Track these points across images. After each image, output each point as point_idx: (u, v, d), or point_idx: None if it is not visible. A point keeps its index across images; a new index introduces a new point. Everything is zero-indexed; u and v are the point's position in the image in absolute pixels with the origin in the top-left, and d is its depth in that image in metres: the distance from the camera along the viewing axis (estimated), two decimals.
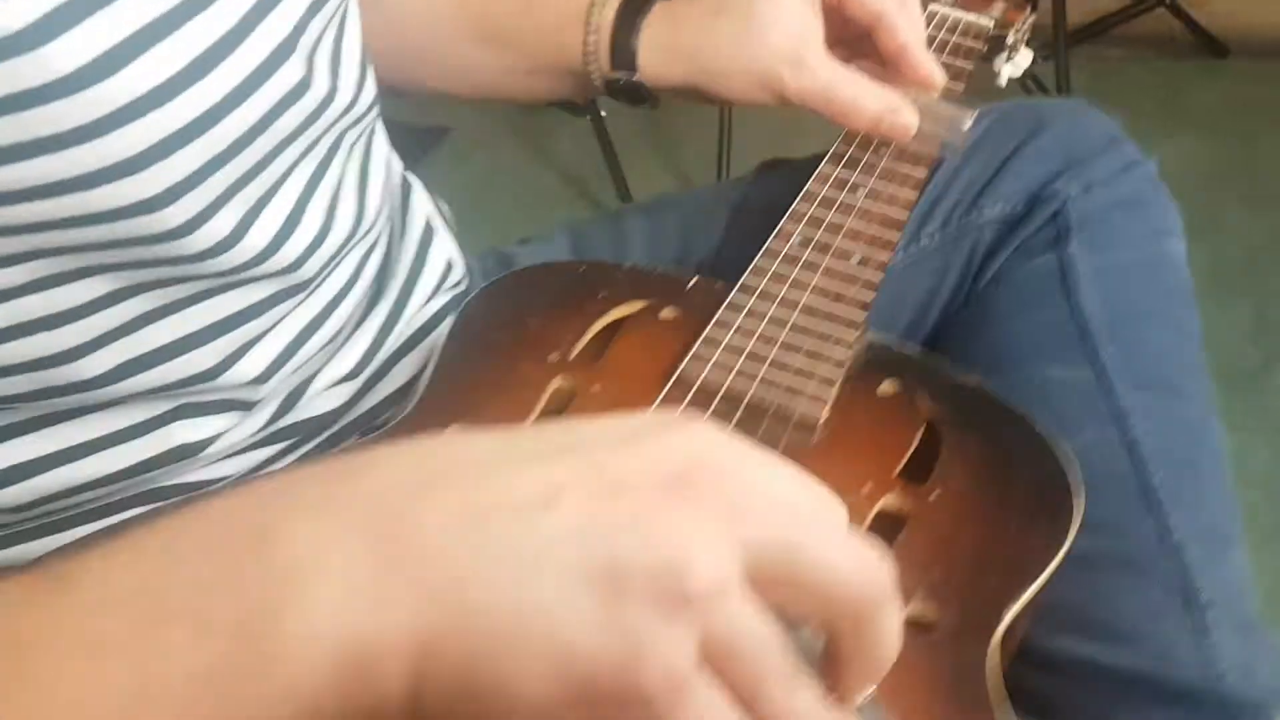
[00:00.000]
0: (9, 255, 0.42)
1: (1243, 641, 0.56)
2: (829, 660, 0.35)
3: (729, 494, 0.34)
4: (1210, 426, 0.65)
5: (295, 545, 0.31)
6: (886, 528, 0.53)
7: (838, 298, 0.62)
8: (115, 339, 0.48)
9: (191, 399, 0.53)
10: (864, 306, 0.61)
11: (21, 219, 0.41)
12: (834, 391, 0.58)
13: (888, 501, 0.54)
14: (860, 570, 0.36)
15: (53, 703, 0.29)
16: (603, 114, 1.93)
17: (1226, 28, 2.20)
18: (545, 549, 0.32)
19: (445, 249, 0.68)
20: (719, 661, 0.33)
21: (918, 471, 0.56)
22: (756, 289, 0.62)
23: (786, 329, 0.60)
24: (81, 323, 0.46)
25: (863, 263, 0.63)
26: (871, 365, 0.61)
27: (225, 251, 0.47)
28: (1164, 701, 0.53)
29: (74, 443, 0.51)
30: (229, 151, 0.46)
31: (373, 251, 0.61)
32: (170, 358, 0.49)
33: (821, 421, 0.57)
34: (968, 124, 0.68)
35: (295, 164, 0.51)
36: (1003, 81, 0.83)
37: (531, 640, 0.31)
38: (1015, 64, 0.82)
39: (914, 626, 0.48)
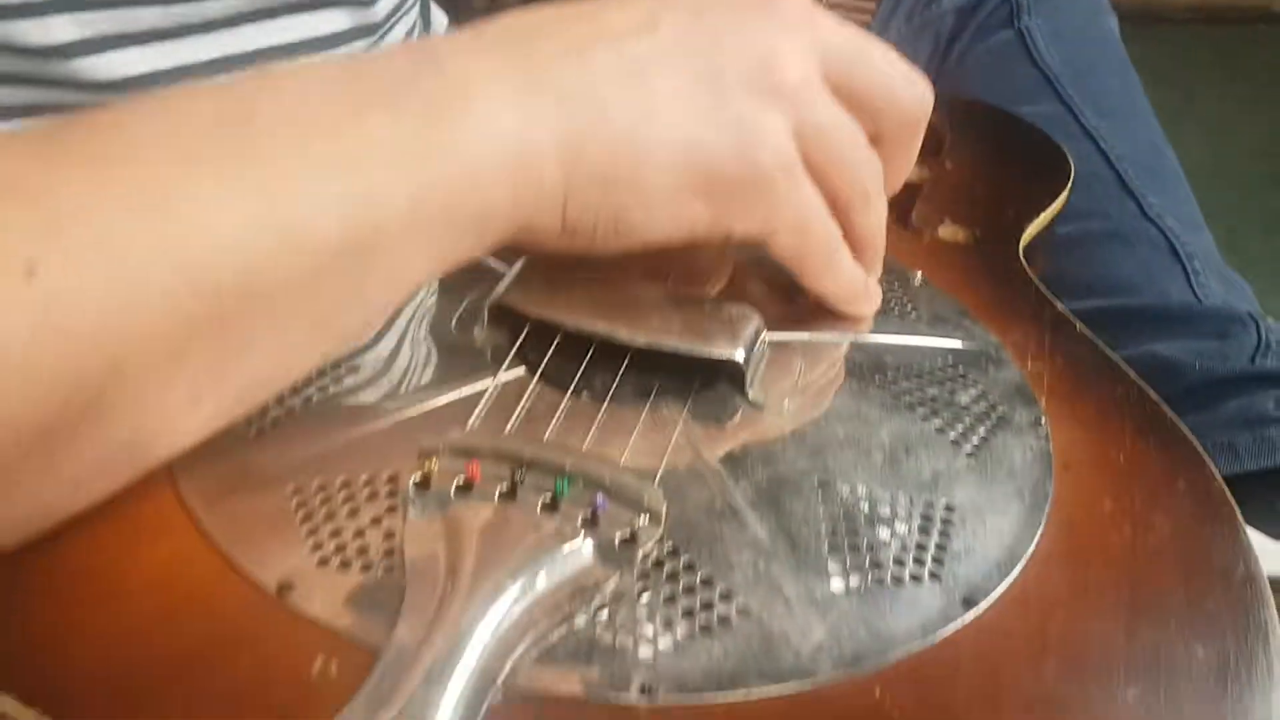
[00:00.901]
0: None
1: (1225, 286, 0.63)
2: None
3: (804, 9, 0.41)
4: (1165, 149, 0.73)
5: (463, 67, 0.36)
6: (909, 188, 0.59)
7: None
8: (218, 29, 0.52)
9: None
10: None
11: None
12: None
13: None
14: (911, 80, 0.43)
15: (275, 169, 0.33)
16: None
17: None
18: (654, 59, 0.38)
19: None
20: (812, 156, 0.39)
21: (928, 154, 0.62)
22: None
23: None
24: (191, 5, 0.51)
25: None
26: None
27: None
28: (1164, 325, 0.60)
29: None
30: None
31: (413, 32, 0.66)
32: (260, 62, 0.54)
33: None
34: None
35: None
36: None
37: (656, 133, 0.37)
38: None
39: (946, 244, 0.55)
